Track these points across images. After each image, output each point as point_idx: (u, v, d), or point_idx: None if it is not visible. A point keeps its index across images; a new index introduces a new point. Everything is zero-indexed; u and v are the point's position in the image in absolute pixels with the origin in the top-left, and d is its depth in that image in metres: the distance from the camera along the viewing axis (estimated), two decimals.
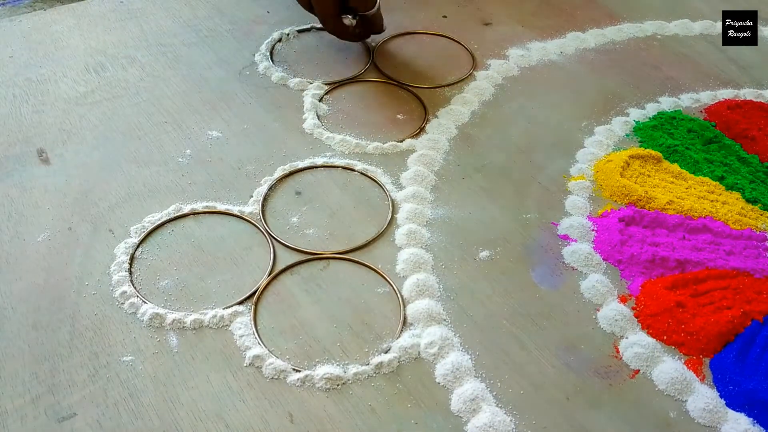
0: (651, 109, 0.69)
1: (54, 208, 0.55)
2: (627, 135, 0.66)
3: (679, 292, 0.51)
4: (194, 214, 0.56)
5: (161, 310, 0.48)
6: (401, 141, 0.64)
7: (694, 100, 0.71)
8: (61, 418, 0.43)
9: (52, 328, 0.47)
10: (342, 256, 0.53)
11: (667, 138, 0.65)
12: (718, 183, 0.61)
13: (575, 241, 0.56)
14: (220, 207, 0.57)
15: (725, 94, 0.72)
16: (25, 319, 0.48)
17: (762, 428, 0.44)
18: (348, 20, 0.68)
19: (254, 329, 0.48)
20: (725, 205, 0.59)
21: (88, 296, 0.49)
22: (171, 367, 0.46)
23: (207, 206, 0.57)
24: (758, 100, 0.71)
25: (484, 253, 0.54)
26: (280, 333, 0.48)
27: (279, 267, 0.52)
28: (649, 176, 0.61)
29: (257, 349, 0.47)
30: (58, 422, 0.43)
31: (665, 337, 0.49)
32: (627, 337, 0.49)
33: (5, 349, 0.46)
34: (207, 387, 0.45)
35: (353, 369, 0.46)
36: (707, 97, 0.71)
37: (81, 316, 0.48)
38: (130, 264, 0.52)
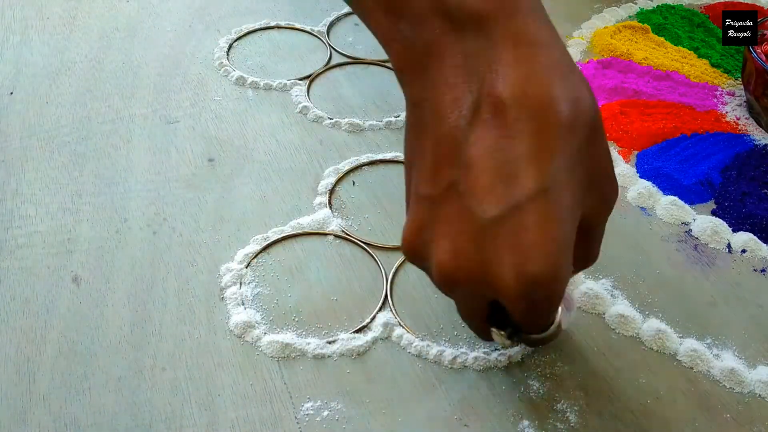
0: (658, 1, 0.83)
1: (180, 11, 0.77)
2: (630, 17, 0.81)
3: (627, 110, 0.66)
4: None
5: (245, 75, 0.69)
6: None
7: None
8: (170, 121, 0.64)
9: (171, 75, 0.69)
10: None
11: (661, 20, 0.79)
12: (692, 52, 0.75)
13: None
14: None
15: None
16: (153, 72, 0.69)
17: (658, 189, 0.59)
18: (499, 336, 0.40)
19: (306, 96, 0.67)
20: (692, 67, 0.73)
21: (197, 63, 0.70)
22: (246, 107, 0.66)
23: None
24: (752, 2, 0.83)
25: None
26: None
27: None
28: (635, 42, 0.76)
29: (306, 102, 0.66)
30: (168, 123, 0.64)
31: (607, 135, 0.64)
32: None
33: (137, 93, 0.68)
34: (268, 119, 0.65)
35: None
36: None
37: (191, 73, 0.69)
38: (228, 50, 0.72)
